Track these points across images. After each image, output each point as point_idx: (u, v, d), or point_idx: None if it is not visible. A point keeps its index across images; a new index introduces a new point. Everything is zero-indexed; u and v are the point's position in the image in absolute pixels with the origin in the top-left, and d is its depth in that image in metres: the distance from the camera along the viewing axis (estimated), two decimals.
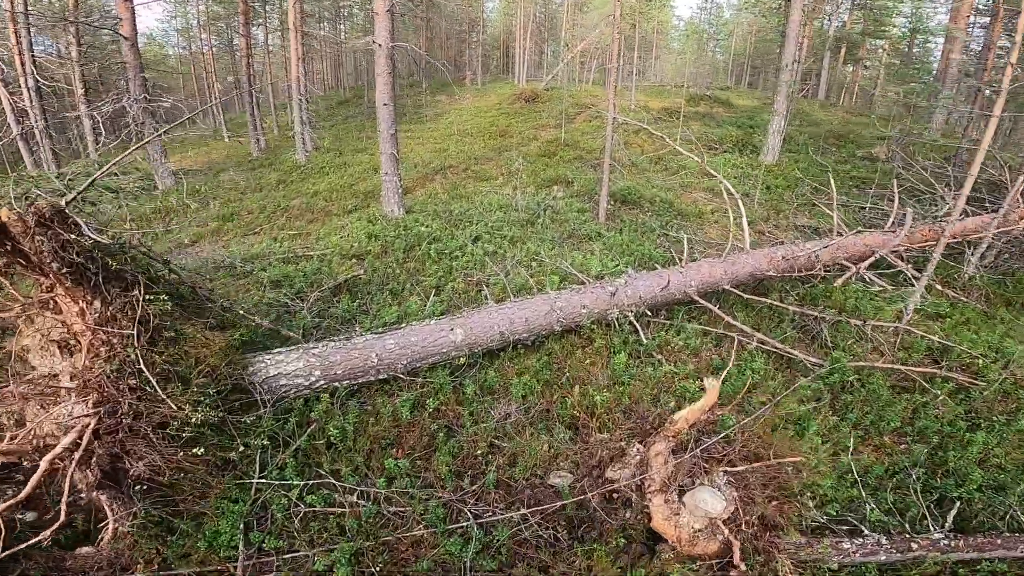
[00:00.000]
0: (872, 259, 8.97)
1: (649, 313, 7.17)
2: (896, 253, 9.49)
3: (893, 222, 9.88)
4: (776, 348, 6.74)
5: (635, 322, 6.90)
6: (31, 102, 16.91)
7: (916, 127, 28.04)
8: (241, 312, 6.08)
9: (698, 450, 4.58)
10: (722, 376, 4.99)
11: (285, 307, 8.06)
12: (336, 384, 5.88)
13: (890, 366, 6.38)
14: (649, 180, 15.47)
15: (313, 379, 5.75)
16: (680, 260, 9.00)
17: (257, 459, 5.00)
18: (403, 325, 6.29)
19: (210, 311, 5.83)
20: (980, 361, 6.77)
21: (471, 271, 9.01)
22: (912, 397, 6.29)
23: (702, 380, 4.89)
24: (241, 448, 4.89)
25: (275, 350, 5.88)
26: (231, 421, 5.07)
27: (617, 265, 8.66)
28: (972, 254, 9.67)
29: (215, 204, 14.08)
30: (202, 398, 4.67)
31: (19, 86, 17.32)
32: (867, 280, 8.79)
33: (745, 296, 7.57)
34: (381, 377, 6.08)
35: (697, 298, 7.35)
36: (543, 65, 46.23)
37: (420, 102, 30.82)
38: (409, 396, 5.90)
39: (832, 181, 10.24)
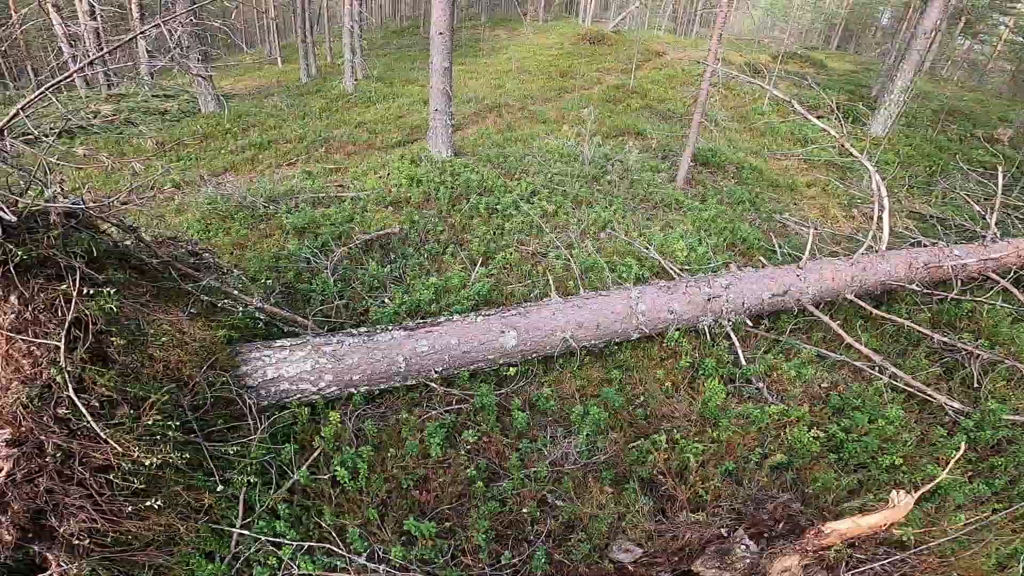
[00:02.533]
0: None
1: (749, 323, 5.34)
2: None
3: None
4: (911, 387, 4.86)
5: (732, 334, 5.10)
6: (85, 25, 15.41)
7: None
8: (236, 293, 4.53)
9: (848, 574, 2.91)
10: (921, 492, 3.14)
11: (306, 263, 6.56)
12: (352, 390, 4.40)
13: None
14: (732, 141, 13.03)
15: (323, 384, 4.23)
16: (786, 257, 6.99)
17: (241, 499, 3.54)
18: (440, 321, 4.64)
19: (193, 295, 4.26)
20: None
21: (526, 237, 7.24)
22: None
23: (892, 491, 3.10)
24: (220, 487, 3.42)
25: (277, 343, 4.30)
26: (209, 449, 3.55)
27: (706, 251, 6.70)
28: None
29: (254, 131, 12.55)
30: (165, 428, 3.12)
31: (73, 9, 15.82)
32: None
33: (874, 312, 5.59)
34: (409, 383, 4.56)
35: (812, 308, 5.46)
36: (609, 6, 41.83)
37: (478, 35, 28.00)
38: (441, 419, 4.36)
39: (1000, 173, 7.77)
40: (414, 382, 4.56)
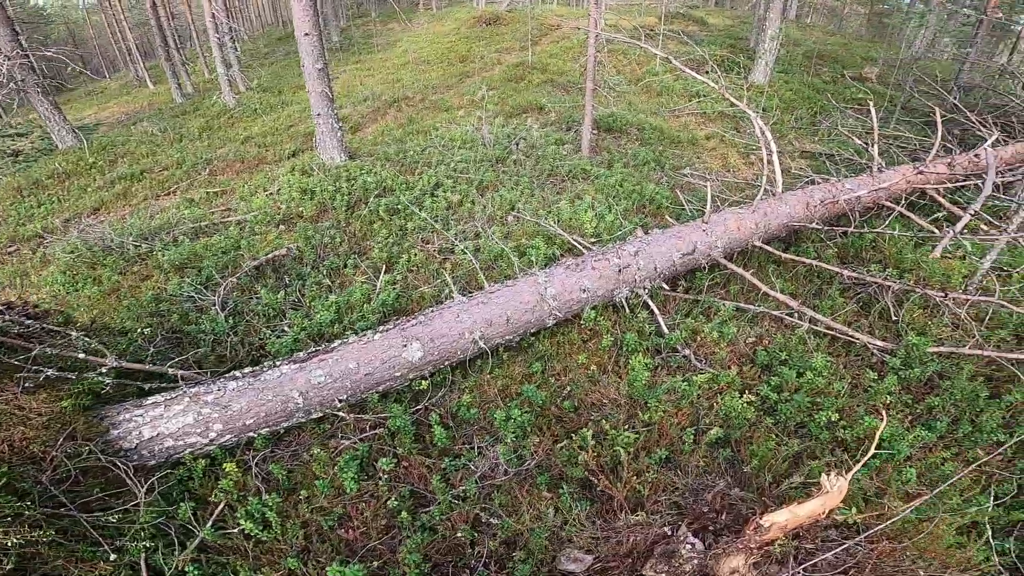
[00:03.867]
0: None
1: (666, 287, 5.09)
2: (940, 192, 7.49)
3: (935, 154, 7.75)
4: (833, 330, 4.77)
5: (651, 302, 4.82)
6: None
7: (892, 48, 25.45)
8: (84, 355, 3.73)
9: (800, 569, 2.67)
10: (852, 473, 2.87)
11: (191, 301, 5.75)
12: (251, 434, 3.80)
13: (979, 352, 4.43)
14: (631, 104, 12.92)
15: (213, 435, 3.65)
16: (694, 212, 6.83)
17: (143, 564, 2.98)
18: (333, 346, 4.06)
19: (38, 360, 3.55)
20: None
21: (430, 234, 6.69)
22: (998, 391, 4.45)
23: (823, 476, 2.82)
24: (113, 556, 2.94)
25: (150, 400, 3.71)
26: (89, 520, 3.04)
27: (615, 219, 6.42)
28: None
29: (124, 162, 11.12)
30: (17, 508, 2.65)
31: None
32: (918, 227, 6.77)
33: (783, 256, 5.49)
34: (314, 417, 3.99)
35: (724, 261, 5.29)
36: None
37: (370, 31, 26.64)
38: (355, 450, 3.84)
39: (873, 109, 7.93)
40: (321, 414, 3.99)
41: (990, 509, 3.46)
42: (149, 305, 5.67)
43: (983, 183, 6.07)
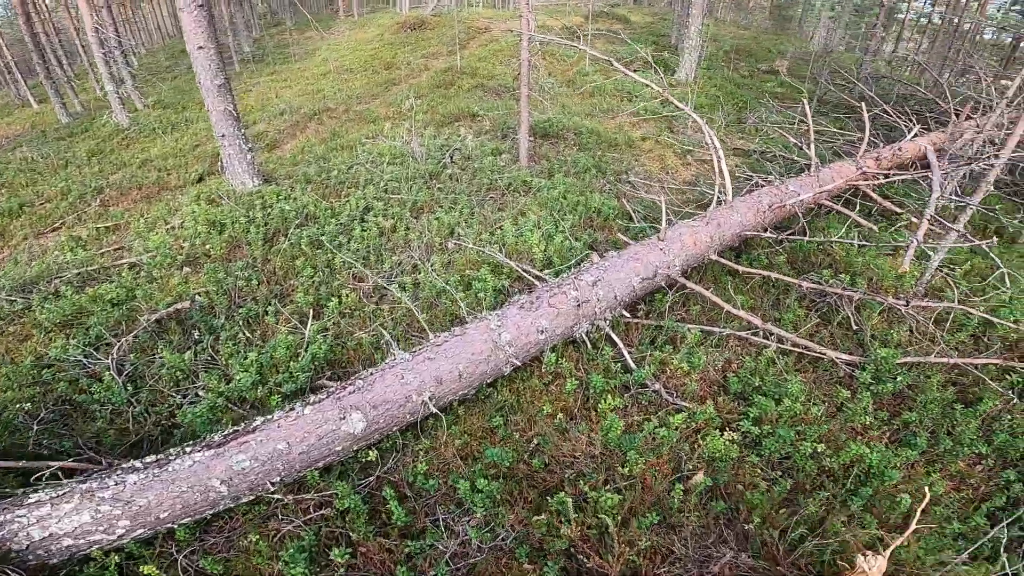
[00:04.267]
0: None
1: (627, 314, 4.70)
2: (875, 188, 7.60)
3: (865, 150, 7.86)
4: (799, 347, 4.56)
5: (613, 335, 4.41)
6: None
7: (797, 41, 26.83)
8: None
9: None
10: (891, 550, 2.50)
11: (81, 366, 4.81)
12: (171, 525, 3.08)
13: (945, 360, 4.36)
14: (565, 107, 12.62)
15: (122, 531, 2.99)
16: (643, 224, 6.51)
17: None
18: (256, 425, 3.35)
19: None
20: None
21: (363, 268, 5.98)
22: (966, 397, 4.40)
23: (859, 556, 2.44)
24: None
25: (32, 498, 2.98)
26: None
27: (565, 239, 5.96)
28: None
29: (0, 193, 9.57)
30: None
31: None
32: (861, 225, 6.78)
33: (741, 269, 5.25)
34: (243, 502, 3.29)
35: (683, 280, 4.97)
36: None
37: (285, 40, 25.06)
38: (300, 536, 3.17)
39: (807, 106, 7.92)
40: (253, 496, 3.30)
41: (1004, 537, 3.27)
42: (30, 373, 4.72)
43: (930, 183, 6.09)
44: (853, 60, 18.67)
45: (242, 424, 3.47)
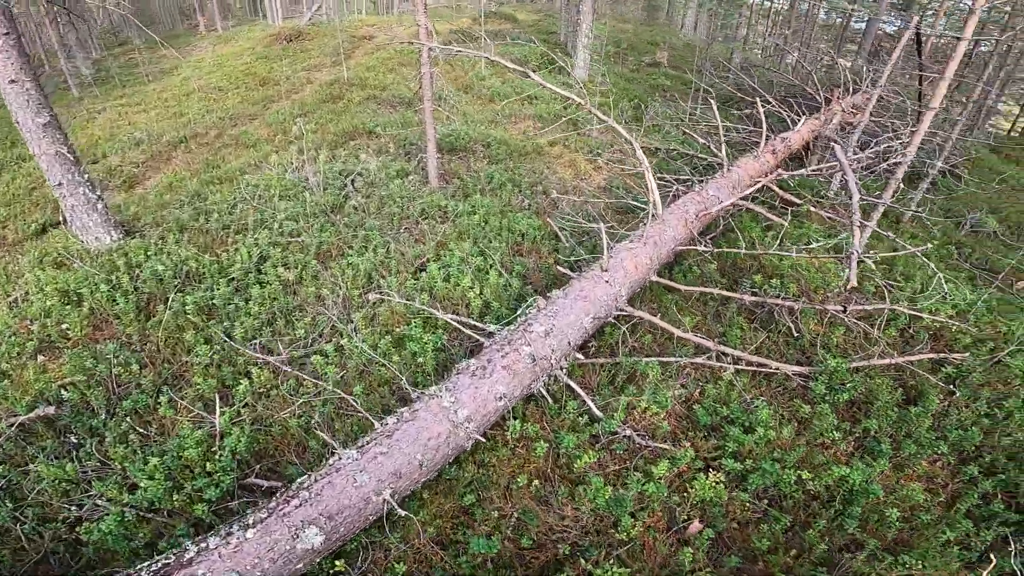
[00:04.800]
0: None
1: (581, 356, 4.33)
2: (776, 182, 7.88)
3: (764, 146, 8.13)
4: (753, 364, 4.48)
5: (573, 384, 4.01)
6: None
7: (671, 31, 28.36)
8: None
9: None
10: None
11: None
12: None
13: (888, 360, 4.48)
14: (467, 116, 12.10)
15: None
16: (577, 237, 6.18)
17: None
18: (189, 555, 2.55)
19: None
20: (956, 328, 5.08)
21: (271, 337, 5.08)
22: (910, 394, 4.56)
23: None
24: None
25: None
26: None
27: (499, 277, 5.44)
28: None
29: None
30: None
31: None
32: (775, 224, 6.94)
33: (684, 288, 5.09)
34: None
35: (629, 309, 4.69)
36: (302, 1, 37.43)
37: (134, 60, 22.11)
38: None
39: (714, 105, 7.98)
40: None
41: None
42: None
43: (844, 182, 6.30)
44: (726, 51, 19.90)
45: (173, 557, 2.66)
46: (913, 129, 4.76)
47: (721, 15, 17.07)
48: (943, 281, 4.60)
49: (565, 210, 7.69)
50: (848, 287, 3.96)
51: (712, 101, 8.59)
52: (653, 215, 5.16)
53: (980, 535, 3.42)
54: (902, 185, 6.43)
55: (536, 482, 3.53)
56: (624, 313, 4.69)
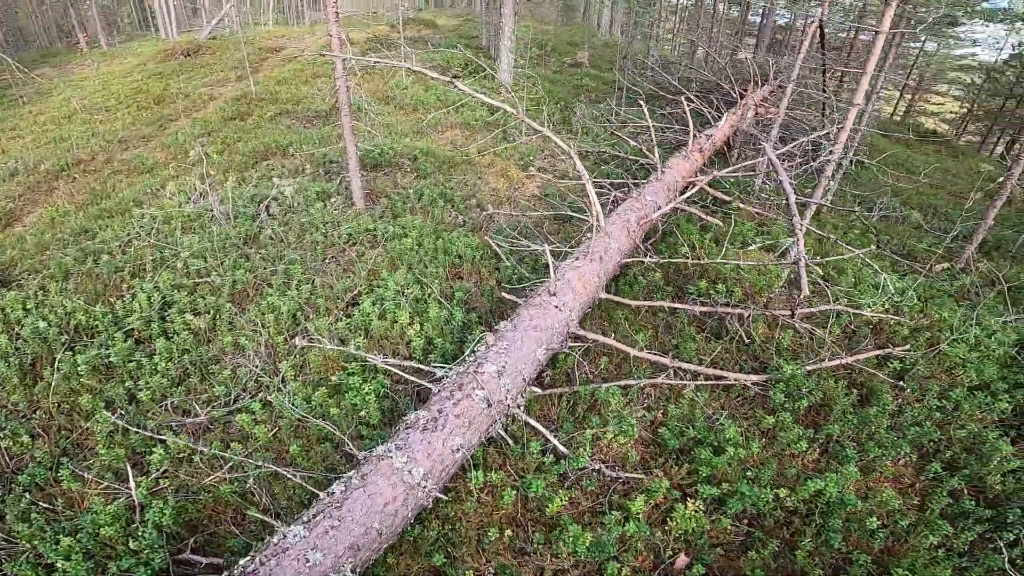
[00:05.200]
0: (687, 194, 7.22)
1: (538, 390, 4.05)
2: (710, 182, 7.99)
3: (692, 145, 8.21)
4: (712, 377, 4.40)
5: (532, 421, 3.73)
6: None
7: (588, 31, 28.92)
8: None
9: None
10: None
11: None
12: None
13: (838, 361, 4.54)
14: (390, 128, 11.57)
15: None
16: (514, 265, 5.90)
17: None
18: None
19: None
20: (894, 321, 5.24)
21: (184, 396, 4.44)
22: (862, 393, 4.67)
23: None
24: None
25: None
26: None
27: (439, 309, 5.04)
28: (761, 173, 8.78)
29: None
30: None
31: None
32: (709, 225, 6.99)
33: (634, 303, 4.95)
34: None
35: (583, 333, 4.48)
36: (200, 12, 34.85)
37: (6, 80, 19.71)
38: None
39: (645, 108, 7.91)
40: None
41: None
42: None
43: (779, 183, 6.38)
44: (644, 49, 20.44)
45: None
46: (840, 126, 4.86)
47: (638, 13, 17.44)
48: (889, 282, 4.73)
49: (502, 223, 7.42)
50: (802, 297, 3.94)
51: (642, 103, 8.60)
52: (596, 227, 4.98)
53: (960, 536, 3.47)
54: (832, 183, 6.65)
55: (508, 532, 3.24)
56: (578, 335, 4.46)
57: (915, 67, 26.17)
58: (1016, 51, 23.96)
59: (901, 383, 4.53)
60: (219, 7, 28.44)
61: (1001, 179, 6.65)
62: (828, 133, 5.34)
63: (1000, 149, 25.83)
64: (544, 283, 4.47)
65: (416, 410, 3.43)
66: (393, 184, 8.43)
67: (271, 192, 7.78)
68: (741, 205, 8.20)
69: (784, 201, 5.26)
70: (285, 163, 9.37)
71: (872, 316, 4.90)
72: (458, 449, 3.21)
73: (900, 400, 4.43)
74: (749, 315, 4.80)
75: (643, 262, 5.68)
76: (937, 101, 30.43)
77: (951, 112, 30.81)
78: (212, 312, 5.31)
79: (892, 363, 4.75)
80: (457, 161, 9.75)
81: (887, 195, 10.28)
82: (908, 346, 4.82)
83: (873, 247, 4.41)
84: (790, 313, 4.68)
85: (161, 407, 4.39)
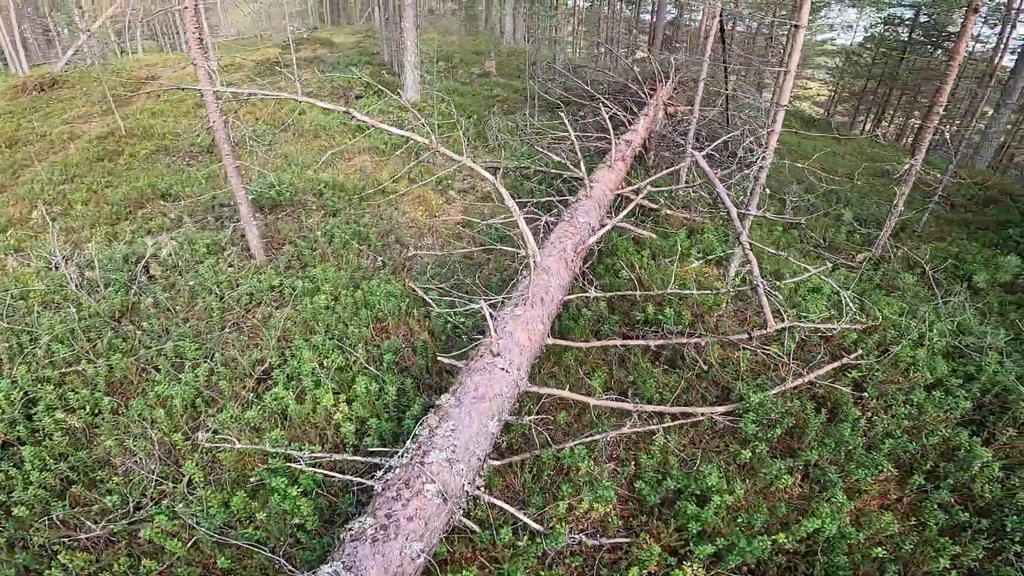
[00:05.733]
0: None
1: (495, 461, 3.51)
2: (633, 190, 7.83)
3: (615, 153, 7.96)
4: (678, 416, 4.08)
5: (495, 500, 3.19)
6: None
7: (492, 38, 28.79)
8: None
9: None
10: None
11: None
12: None
13: (800, 380, 4.37)
14: (289, 159, 10.55)
15: None
16: (448, 315, 5.31)
17: None
18: None
19: None
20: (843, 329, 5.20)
21: (64, 508, 3.48)
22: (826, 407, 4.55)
23: None
24: None
25: None
26: None
27: (369, 380, 4.35)
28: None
29: None
30: None
31: None
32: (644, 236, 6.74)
33: (585, 346, 4.55)
34: None
35: (535, 388, 3.99)
36: (56, 44, 31.01)
37: None
38: None
39: (567, 119, 7.48)
40: None
41: None
42: None
43: (717, 196, 6.19)
44: (551, 54, 20.47)
45: None
46: (770, 129, 4.72)
47: (540, 18, 17.36)
48: (848, 300, 4.62)
49: (426, 260, 6.80)
50: (768, 329, 3.69)
51: (562, 115, 8.31)
52: (533, 265, 4.52)
53: (968, 553, 3.34)
54: (767, 190, 6.63)
55: None
56: (530, 391, 3.97)
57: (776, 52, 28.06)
58: (868, 33, 26.52)
59: (864, 394, 4.43)
60: (78, 35, 25.49)
61: (907, 166, 6.93)
62: (759, 138, 5.21)
63: (868, 127, 28.49)
64: (484, 339, 3.93)
65: (360, 516, 2.80)
66: (298, 227, 7.55)
67: (149, 249, 6.67)
68: (668, 212, 8.11)
69: (721, 210, 5.06)
70: (167, 210, 8.19)
71: (833, 331, 4.81)
72: (418, 555, 2.62)
73: (866, 411, 4.33)
74: (707, 344, 4.53)
75: (585, 295, 5.28)
76: (808, 86, 32.95)
77: (819, 95, 33.44)
78: (88, 407, 4.32)
79: (851, 374, 4.66)
80: (369, 192, 8.99)
81: (796, 185, 10.66)
82: (860, 351, 4.75)
83: (828, 265, 4.26)
84: (748, 336, 4.46)
85: (43, 522, 3.48)
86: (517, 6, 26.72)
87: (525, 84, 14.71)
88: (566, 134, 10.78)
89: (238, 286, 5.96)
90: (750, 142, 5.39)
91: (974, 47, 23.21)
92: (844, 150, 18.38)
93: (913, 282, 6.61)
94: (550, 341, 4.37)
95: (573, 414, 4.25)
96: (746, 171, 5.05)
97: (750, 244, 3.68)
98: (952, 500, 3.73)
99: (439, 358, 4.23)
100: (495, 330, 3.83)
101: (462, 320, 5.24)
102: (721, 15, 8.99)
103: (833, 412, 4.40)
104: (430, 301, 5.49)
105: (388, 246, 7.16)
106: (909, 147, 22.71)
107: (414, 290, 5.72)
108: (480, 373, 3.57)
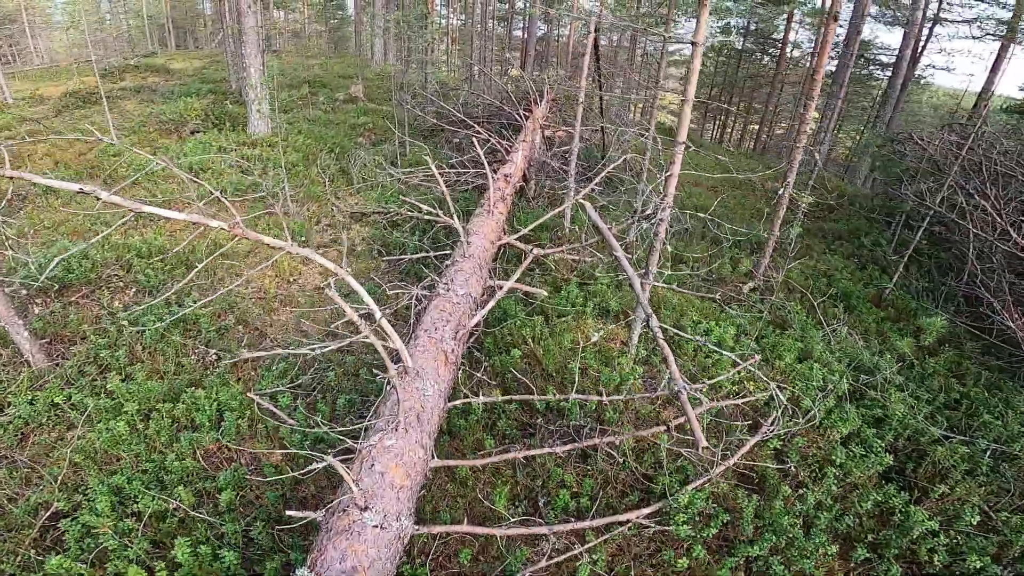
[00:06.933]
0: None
1: None
2: (517, 236, 7.15)
3: (493, 193, 7.15)
4: (603, 530, 3.35)
5: None
6: None
7: (360, 60, 27.30)
8: None
9: None
10: None
11: None
12: None
13: (727, 464, 3.87)
14: (94, 220, 8.39)
15: None
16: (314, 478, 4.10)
17: None
18: None
19: None
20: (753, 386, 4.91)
21: None
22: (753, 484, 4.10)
23: None
24: None
25: None
26: None
27: (197, 542, 3.02)
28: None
29: None
30: None
31: None
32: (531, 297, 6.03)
33: (480, 463, 3.64)
34: None
35: (427, 529, 3.01)
36: None
37: None
38: None
39: (432, 163, 6.41)
40: None
41: None
42: None
43: (614, 257, 5.57)
44: (421, 76, 19.57)
45: None
46: (668, 173, 4.22)
47: (410, 38, 16.37)
48: (755, 368, 4.20)
49: (276, 349, 5.47)
50: (700, 449, 3.09)
51: (427, 157, 7.38)
52: (403, 372, 3.55)
53: None
54: (667, 244, 6.22)
55: None
56: (419, 533, 2.98)
57: (644, 67, 29.79)
58: (707, 42, 29.08)
59: (789, 466, 4.05)
60: None
61: (780, 191, 6.99)
62: (658, 184, 4.72)
63: (716, 133, 31.16)
64: (352, 496, 2.85)
65: None
66: (95, 315, 5.80)
67: None
68: (556, 256, 7.56)
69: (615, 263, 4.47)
70: None
71: (733, 387, 4.39)
72: None
73: (794, 482, 3.94)
74: (621, 441, 3.87)
75: (470, 401, 4.32)
76: (663, 97, 35.40)
77: (671, 103, 35.97)
78: None
79: (772, 442, 4.26)
80: (202, 256, 7.27)
81: (673, 208, 10.76)
82: (775, 414, 4.36)
83: (757, 356, 3.80)
84: (665, 428, 3.87)
85: None
86: (387, 26, 25.55)
87: (399, 110, 13.60)
88: (443, 173, 9.90)
89: (7, 406, 4.26)
90: (647, 192, 4.87)
91: (792, 51, 25.91)
92: (703, 161, 19.40)
93: (799, 310, 6.61)
94: (436, 463, 3.42)
95: (477, 549, 3.34)
96: (643, 224, 4.50)
97: (663, 337, 3.05)
98: (900, 571, 3.40)
99: (288, 513, 3.03)
100: (361, 477, 2.80)
101: (328, 434, 4.09)
102: (596, 30, 8.69)
103: (759, 486, 3.96)
104: (280, 413, 4.23)
105: (226, 330, 5.73)
106: (753, 151, 25.02)
107: (256, 402, 4.43)
108: (346, 536, 2.52)
